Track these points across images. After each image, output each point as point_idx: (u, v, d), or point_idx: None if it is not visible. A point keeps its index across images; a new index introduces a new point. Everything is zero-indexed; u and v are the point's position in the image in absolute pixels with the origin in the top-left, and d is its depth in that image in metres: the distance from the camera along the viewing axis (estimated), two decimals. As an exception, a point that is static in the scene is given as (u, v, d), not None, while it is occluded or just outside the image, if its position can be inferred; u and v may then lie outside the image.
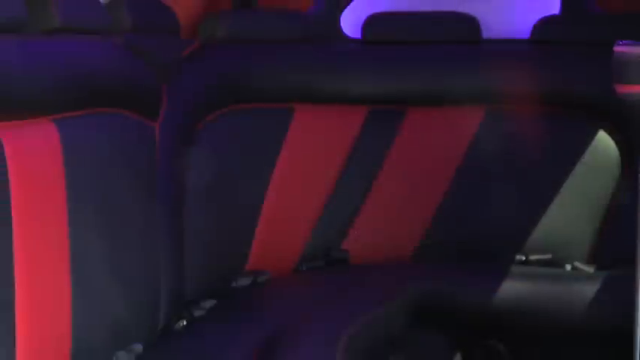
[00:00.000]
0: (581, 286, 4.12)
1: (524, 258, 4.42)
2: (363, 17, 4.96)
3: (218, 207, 4.33)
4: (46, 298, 2.85)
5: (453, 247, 4.59)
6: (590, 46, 4.17)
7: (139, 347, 3.26)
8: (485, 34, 4.80)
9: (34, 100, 2.98)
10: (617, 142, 4.42)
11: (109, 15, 3.79)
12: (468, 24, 4.83)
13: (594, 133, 4.48)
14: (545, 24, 4.74)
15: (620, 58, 2.47)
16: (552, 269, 4.38)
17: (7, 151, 2.70)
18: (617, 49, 2.47)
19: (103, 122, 3.33)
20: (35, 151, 2.90)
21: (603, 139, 4.45)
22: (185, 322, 3.72)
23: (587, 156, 4.51)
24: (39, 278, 2.80)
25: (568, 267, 4.33)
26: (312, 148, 4.72)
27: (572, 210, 4.51)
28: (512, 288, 4.16)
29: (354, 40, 5.07)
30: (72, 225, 2.96)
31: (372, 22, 4.93)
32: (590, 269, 4.29)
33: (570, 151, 4.52)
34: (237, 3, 5.14)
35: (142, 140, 3.68)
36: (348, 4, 5.10)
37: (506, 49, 4.82)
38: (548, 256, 4.41)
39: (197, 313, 3.82)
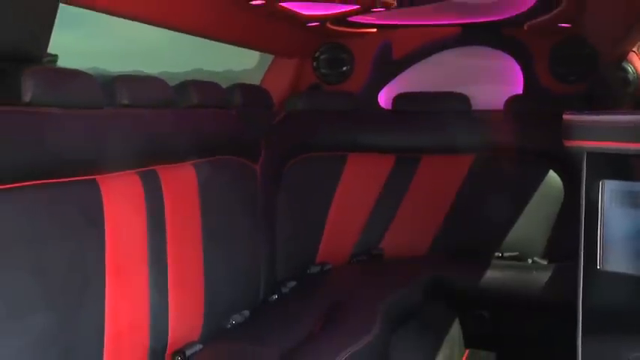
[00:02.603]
0: (538, 273, 4.53)
1: (500, 254, 4.82)
2: (393, 95, 5.38)
3: (297, 221, 4.70)
4: (189, 278, 3.31)
5: (453, 247, 4.94)
6: (545, 115, 4.19)
7: (247, 312, 3.71)
8: (474, 107, 5.22)
9: (181, 151, 3.42)
10: (561, 177, 4.83)
11: (228, 96, 4.22)
12: (461, 100, 5.21)
13: (547, 172, 4.88)
14: (514, 100, 5.16)
15: (566, 123, 2.51)
16: (519, 262, 4.77)
17: (163, 184, 3.17)
18: (564, 116, 2.52)
19: (223, 165, 3.81)
20: (180, 184, 3.36)
21: (553, 175, 4.87)
22: (276, 296, 4.12)
23: (543, 186, 4.88)
24: (184, 265, 3.26)
25: (529, 261, 4.75)
26: (358, 182, 5.13)
27: (532, 222, 4.88)
28: (492, 274, 4.57)
29: (386, 110, 5.52)
30: (204, 233, 3.45)
31: (399, 98, 5.34)
32: (544, 262, 4.70)
33: (532, 183, 4.92)
34: (311, 87, 5.59)
35: (248, 177, 4.13)
36: (383, 88, 5.58)
37: (487, 117, 5.17)
38: (516, 253, 4.82)
39: (284, 290, 4.24)
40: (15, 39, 2.63)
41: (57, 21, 2.82)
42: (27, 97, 2.52)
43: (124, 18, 3.51)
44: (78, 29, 3.29)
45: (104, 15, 3.35)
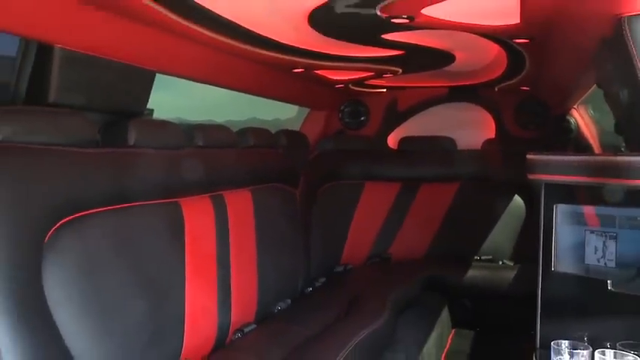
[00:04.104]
0: (507, 272, 4.49)
1: (478, 258, 4.77)
2: (398, 138, 5.41)
3: (326, 232, 4.58)
4: (246, 276, 3.27)
5: (444, 252, 4.88)
6: (512, 154, 4.09)
7: (288, 301, 3.66)
8: (459, 147, 5.22)
9: (241, 180, 3.41)
10: (524, 201, 4.79)
11: (276, 139, 4.19)
12: (449, 142, 5.22)
13: (514, 196, 4.84)
14: (489, 142, 5.17)
15: (529, 161, 2.44)
16: (492, 264, 4.72)
17: (228, 205, 3.16)
18: (528, 156, 2.45)
19: (272, 190, 3.77)
20: (240, 205, 3.33)
21: (518, 199, 4.83)
22: (311, 289, 4.08)
23: (510, 207, 4.84)
24: (243, 266, 3.23)
25: (500, 262, 4.71)
26: (373, 203, 5.06)
27: (502, 234, 4.82)
28: (472, 273, 4.54)
29: (393, 150, 5.46)
30: (258, 241, 3.42)
31: (403, 140, 5.37)
32: (511, 264, 4.66)
33: (502, 204, 4.86)
34: (337, 132, 5.51)
35: (290, 199, 4.07)
36: (390, 133, 5.50)
37: (469, 154, 5.17)
38: (490, 257, 4.77)
39: (316, 284, 4.18)
40: (124, 100, 2.73)
41: (153, 85, 2.91)
42: (131, 141, 2.56)
43: (200, 82, 3.53)
44: (168, 90, 3.31)
45: (185, 80, 3.38)
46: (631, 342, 2.01)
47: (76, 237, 2.11)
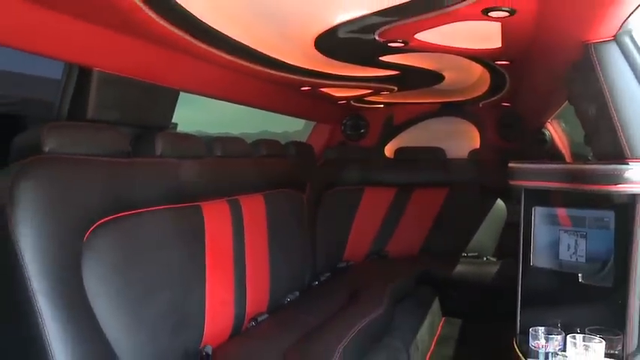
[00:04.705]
0: (490, 267, 4.50)
1: (465, 254, 4.77)
2: (394, 149, 5.36)
3: (330, 232, 4.60)
4: (260, 271, 3.26)
5: (435, 250, 4.87)
6: (494, 162, 4.05)
7: (297, 293, 3.69)
8: (448, 156, 5.20)
9: (254, 186, 3.41)
10: (506, 204, 4.80)
11: (285, 149, 4.16)
12: (439, 152, 5.19)
13: (496, 200, 4.85)
14: (474, 152, 5.13)
15: (510, 169, 2.43)
16: (478, 259, 4.72)
17: (243, 208, 3.16)
18: (509, 164, 2.44)
19: (282, 195, 3.75)
20: (254, 208, 3.33)
21: (500, 202, 4.85)
22: (317, 282, 4.09)
23: (493, 210, 4.87)
24: (256, 262, 3.24)
25: (484, 258, 4.72)
26: (372, 206, 5.05)
27: (487, 233, 4.83)
28: (460, 268, 4.53)
29: (390, 159, 5.41)
30: (270, 240, 3.43)
31: (399, 151, 5.33)
32: (494, 259, 4.67)
33: (486, 207, 4.89)
34: (340, 143, 5.45)
35: (298, 203, 4.05)
36: (387, 143, 5.45)
37: (457, 163, 5.15)
38: (476, 254, 4.77)
39: (322, 278, 4.19)
40: (152, 115, 2.73)
41: (177, 102, 2.91)
42: (158, 151, 2.57)
43: (218, 99, 3.52)
44: (190, 106, 3.27)
45: (205, 97, 3.39)
46: (598, 327, 2.04)
47: (111, 237, 2.13)
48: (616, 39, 1.99)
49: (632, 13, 1.76)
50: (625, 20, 1.85)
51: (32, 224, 1.78)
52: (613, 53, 1.98)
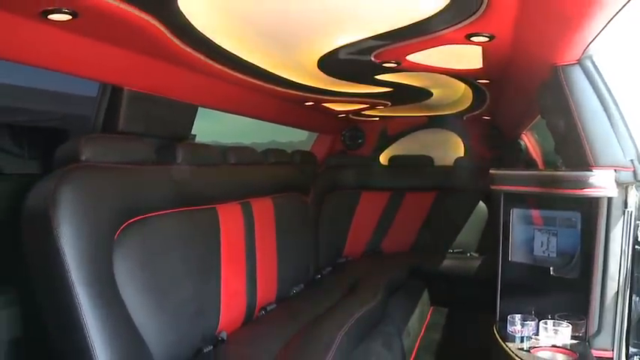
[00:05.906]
0: (474, 262, 4.52)
1: (452, 250, 4.77)
2: (388, 157, 5.33)
3: (331, 231, 4.57)
4: (268, 266, 3.25)
5: (425, 247, 4.87)
6: (477, 169, 4.30)
7: (302, 285, 3.67)
8: (436, 163, 5.15)
9: (264, 190, 3.35)
10: (487, 206, 4.79)
11: (291, 157, 4.11)
12: (428, 160, 5.15)
13: (478, 202, 4.84)
14: (459, 160, 5.06)
15: (491, 175, 2.39)
16: (462, 255, 4.74)
17: (254, 209, 3.15)
18: (490, 171, 2.39)
19: (289, 198, 3.72)
20: (264, 209, 3.30)
21: (482, 205, 4.83)
22: (319, 276, 4.07)
23: (476, 211, 4.85)
24: (266, 258, 3.23)
25: (468, 254, 4.72)
26: (368, 208, 5.06)
27: (470, 231, 4.83)
28: (447, 262, 4.55)
29: (384, 166, 5.37)
30: (277, 238, 3.40)
31: (392, 158, 5.30)
32: (476, 255, 4.67)
33: (469, 209, 4.87)
34: (340, 152, 5.40)
35: (303, 205, 4.02)
36: (382, 152, 5.38)
37: (444, 170, 5.07)
38: (461, 250, 4.78)
39: (324, 272, 4.18)
40: (174, 127, 2.72)
41: (196, 116, 2.91)
42: (179, 159, 2.57)
43: (231, 113, 3.50)
44: (207, 119, 3.22)
45: (220, 112, 3.37)
46: (565, 313, 2.07)
47: (139, 235, 2.15)
48: (580, 62, 2.02)
49: (592, 40, 1.80)
50: (587, 47, 1.88)
51: (71, 223, 1.80)
52: (578, 75, 2.01)
